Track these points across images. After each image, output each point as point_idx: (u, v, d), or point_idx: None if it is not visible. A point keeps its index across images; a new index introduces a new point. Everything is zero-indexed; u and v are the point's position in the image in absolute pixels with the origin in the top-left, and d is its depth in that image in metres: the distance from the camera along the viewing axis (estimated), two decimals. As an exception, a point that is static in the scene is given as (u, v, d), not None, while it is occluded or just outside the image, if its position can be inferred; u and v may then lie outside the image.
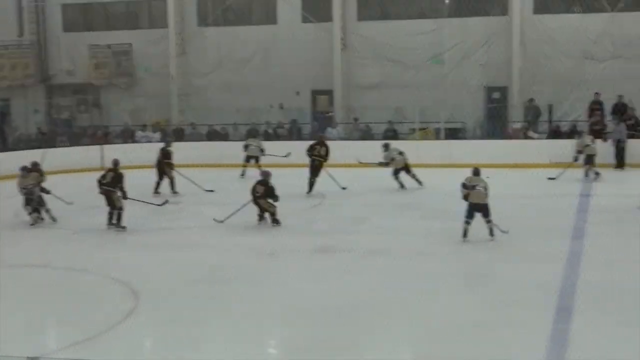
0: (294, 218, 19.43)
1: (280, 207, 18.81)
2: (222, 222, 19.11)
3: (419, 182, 23.53)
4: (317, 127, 32.64)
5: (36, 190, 19.88)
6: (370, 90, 33.74)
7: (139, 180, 22.54)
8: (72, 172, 27.62)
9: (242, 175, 26.64)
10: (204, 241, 17.91)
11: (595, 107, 27.98)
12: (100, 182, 19.23)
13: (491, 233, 16.52)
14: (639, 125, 27.11)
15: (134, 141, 31.89)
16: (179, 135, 32.69)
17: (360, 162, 24.25)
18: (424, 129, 30.55)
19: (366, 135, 31.32)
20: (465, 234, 16.57)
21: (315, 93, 34.77)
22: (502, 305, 12.65)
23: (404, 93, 32.86)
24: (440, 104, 30.47)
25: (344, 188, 23.19)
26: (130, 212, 19.71)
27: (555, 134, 27.79)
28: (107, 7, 36.79)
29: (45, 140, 31.95)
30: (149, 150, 25.39)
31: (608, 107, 28.04)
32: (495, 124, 31.50)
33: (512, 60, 31.95)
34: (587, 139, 25.07)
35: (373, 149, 24.35)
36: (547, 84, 31.55)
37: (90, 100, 36.73)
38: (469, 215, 16.56)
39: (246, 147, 27.47)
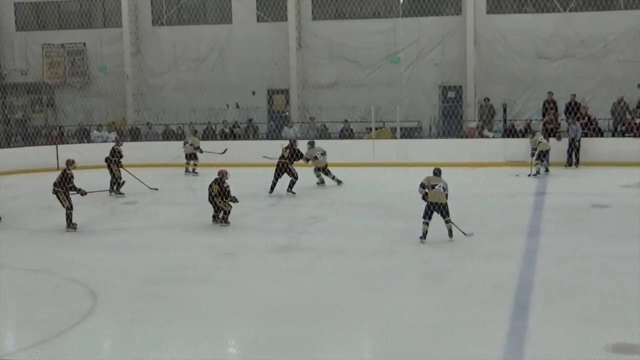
0: (251, 218, 19.45)
1: (238, 207, 18.80)
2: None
3: (338, 182, 23.78)
4: (273, 127, 32.66)
5: None
6: (326, 90, 33.82)
7: (95, 181, 22.43)
8: (27, 172, 27.39)
9: (186, 172, 27.22)
10: (161, 241, 17.85)
11: (549, 106, 28.27)
12: (53, 184, 19.12)
13: (450, 234, 16.53)
14: (592, 124, 27.42)
15: (90, 141, 31.70)
16: (135, 134, 32.53)
17: (265, 157, 24.18)
18: (380, 128, 30.65)
19: (322, 134, 31.38)
20: (424, 236, 16.50)
21: (271, 92, 34.77)
22: (459, 304, 12.73)
23: (359, 92, 33.03)
24: (396, 103, 30.57)
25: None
26: (87, 212, 19.63)
27: (510, 132, 28.03)
28: (61, 6, 36.44)
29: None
30: (105, 150, 25.23)
31: (561, 106, 28.33)
32: (451, 123, 31.69)
33: (467, 59, 32.18)
34: (539, 136, 25.62)
35: (329, 148, 24.39)
36: (501, 83, 31.86)
37: (45, 100, 36.39)
38: (427, 215, 16.48)
39: (184, 145, 27.78)
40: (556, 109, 28.14)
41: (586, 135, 26.69)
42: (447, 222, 16.50)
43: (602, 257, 14.96)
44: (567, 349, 10.54)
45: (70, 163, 19.48)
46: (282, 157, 22.94)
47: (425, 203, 16.56)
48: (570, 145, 26.46)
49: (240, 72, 34.27)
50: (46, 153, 28.97)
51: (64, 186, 18.87)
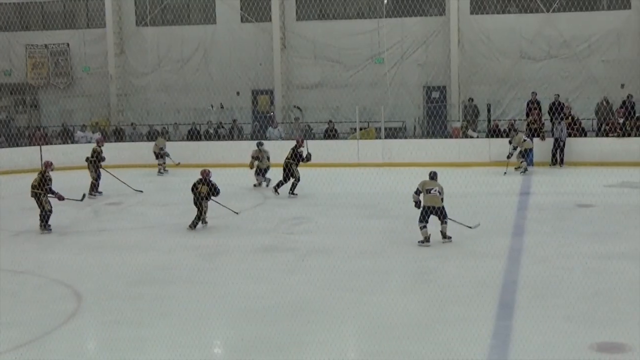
0: (236, 218, 19.41)
1: (223, 208, 18.76)
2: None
3: (267, 185, 23.75)
4: (257, 127, 32.64)
5: None
6: (310, 90, 33.85)
7: (79, 181, 22.40)
8: (11, 173, 27.28)
9: (159, 173, 27.65)
10: (145, 242, 17.83)
11: (533, 106, 28.34)
12: (32, 185, 19.04)
13: (444, 236, 16.44)
14: (576, 124, 27.51)
15: (74, 142, 31.59)
16: (119, 135, 32.45)
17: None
18: (365, 128, 30.67)
19: (307, 134, 31.34)
20: (427, 240, 16.25)
21: (256, 93, 34.76)
22: (444, 303, 12.75)
23: (343, 93, 33.11)
24: (380, 104, 30.59)
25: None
26: (71, 213, 19.59)
27: (494, 132, 28.09)
28: (44, 6, 36.31)
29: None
30: (90, 151, 25.15)
31: (545, 106, 28.40)
32: (435, 123, 31.73)
33: (451, 59, 32.28)
34: (522, 135, 25.92)
35: (314, 149, 24.35)
36: (485, 84, 31.99)
37: (28, 101, 36.27)
38: (424, 219, 16.29)
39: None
40: (540, 109, 28.21)
41: (570, 135, 26.77)
42: (443, 224, 16.37)
43: (586, 257, 14.99)
44: (551, 348, 10.56)
45: (48, 165, 19.41)
46: (287, 157, 22.88)
47: (420, 209, 16.39)
48: (554, 144, 26.54)
49: (225, 73, 34.28)
50: (30, 154, 28.78)
51: (43, 188, 18.79)
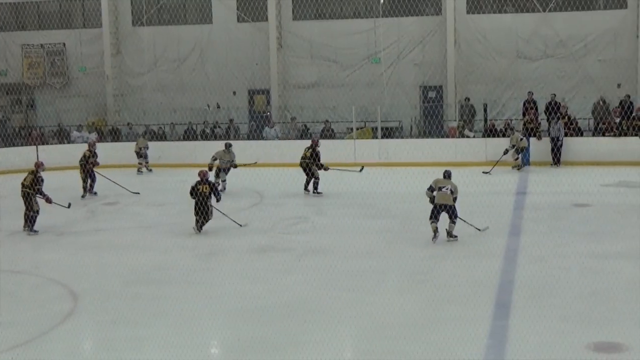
0: (233, 218, 19.38)
1: (219, 207, 18.75)
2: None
3: (224, 189, 23.17)
4: (254, 127, 32.62)
5: None
6: (306, 90, 33.85)
7: (75, 182, 22.38)
8: (7, 173, 27.23)
9: (138, 172, 27.91)
10: (142, 242, 17.83)
11: (529, 105, 28.34)
12: (22, 184, 19.01)
13: (450, 235, 16.51)
14: (572, 123, 27.52)
15: (70, 141, 31.56)
16: (116, 135, 32.44)
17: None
18: (361, 128, 30.66)
19: (303, 134, 31.36)
20: (434, 233, 16.38)
21: (252, 93, 34.74)
22: (441, 303, 12.76)
23: (340, 92, 33.08)
24: (377, 103, 30.58)
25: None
26: (68, 213, 19.58)
27: (490, 132, 28.09)
28: (40, 6, 36.28)
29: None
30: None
31: (541, 105, 28.43)
32: (432, 122, 31.76)
33: (447, 59, 32.28)
34: (519, 134, 26.26)
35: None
36: (481, 83, 32.01)
37: (24, 101, 36.24)
38: (434, 216, 16.43)
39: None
40: (536, 109, 28.22)
41: (566, 135, 26.76)
42: (451, 223, 16.47)
43: (582, 256, 15.01)
44: (548, 348, 10.57)
45: (39, 165, 19.38)
46: (305, 157, 22.78)
47: (433, 204, 16.52)
48: (553, 144, 26.51)
49: (221, 73, 34.28)
50: (26, 153, 28.72)
51: (34, 188, 18.76)
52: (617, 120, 27.17)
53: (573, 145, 26.77)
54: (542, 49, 31.83)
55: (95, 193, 23.49)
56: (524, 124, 27.75)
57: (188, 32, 34.78)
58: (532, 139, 26.75)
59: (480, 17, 32.33)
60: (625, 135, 26.70)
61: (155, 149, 28.85)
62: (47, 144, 30.98)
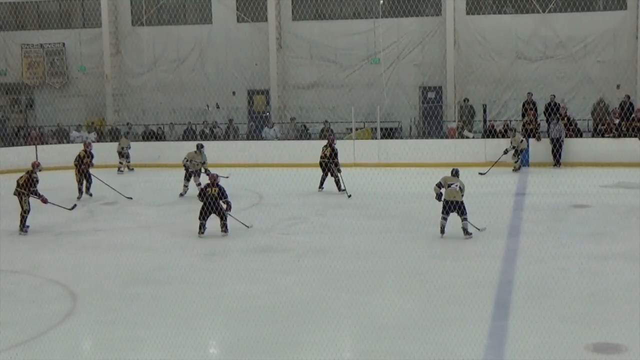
0: (231, 218, 19.37)
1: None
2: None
3: (184, 194, 22.96)
4: (253, 127, 32.63)
5: None
6: (306, 90, 33.85)
7: (74, 182, 22.36)
8: (6, 172, 27.19)
9: (119, 171, 28.01)
10: (141, 242, 17.82)
11: (529, 106, 28.34)
12: (17, 182, 19.00)
13: (465, 232, 16.59)
14: (571, 124, 27.53)
15: (69, 141, 31.54)
16: (115, 135, 32.42)
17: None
18: (360, 128, 30.66)
19: (303, 134, 31.37)
20: (442, 230, 16.66)
21: (252, 93, 34.74)
22: (440, 303, 12.77)
23: (339, 93, 33.09)
24: (376, 104, 30.58)
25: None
26: (67, 213, 19.58)
27: (489, 133, 28.10)
28: (40, 5, 36.28)
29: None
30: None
31: (541, 106, 28.45)
32: (431, 123, 31.77)
33: (447, 60, 32.29)
34: (520, 135, 26.32)
35: (310, 149, 24.37)
36: (481, 84, 32.02)
37: (24, 100, 36.23)
38: (445, 212, 16.64)
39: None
40: (536, 110, 28.24)
41: (566, 136, 26.77)
42: (463, 219, 16.56)
43: (582, 257, 15.03)
44: (547, 349, 10.55)
45: (36, 165, 19.36)
46: (324, 156, 22.78)
47: (442, 200, 16.67)
48: (554, 145, 26.49)
49: (221, 73, 34.28)
50: (25, 153, 28.68)
51: (28, 188, 18.74)
52: (617, 121, 27.19)
53: (572, 146, 26.79)
54: (542, 50, 31.84)
55: (91, 195, 23.35)
56: (524, 125, 27.75)
57: (188, 32, 34.79)
58: (532, 140, 26.77)
59: (480, 17, 32.34)
60: (625, 136, 26.71)
61: (154, 149, 28.90)
62: (46, 143, 30.97)
